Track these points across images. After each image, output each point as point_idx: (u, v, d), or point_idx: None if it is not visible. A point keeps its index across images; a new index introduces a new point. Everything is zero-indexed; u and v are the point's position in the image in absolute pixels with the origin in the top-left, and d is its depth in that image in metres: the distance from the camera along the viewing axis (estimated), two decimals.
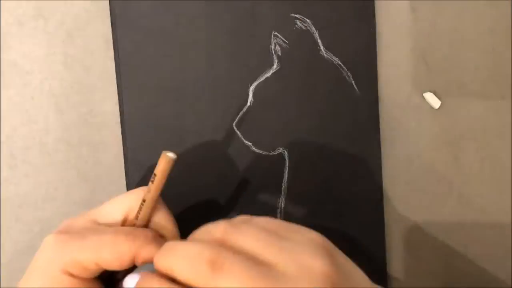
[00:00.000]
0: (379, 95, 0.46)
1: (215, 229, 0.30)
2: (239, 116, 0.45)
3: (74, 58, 0.44)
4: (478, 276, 0.48)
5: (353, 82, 0.45)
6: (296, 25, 0.45)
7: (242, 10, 0.44)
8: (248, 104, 0.45)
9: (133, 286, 0.30)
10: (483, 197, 0.47)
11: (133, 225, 0.33)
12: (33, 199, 0.43)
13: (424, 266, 0.46)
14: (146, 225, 0.34)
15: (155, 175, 0.32)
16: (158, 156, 0.42)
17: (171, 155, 0.31)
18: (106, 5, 0.44)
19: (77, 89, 0.44)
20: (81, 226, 0.33)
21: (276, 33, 0.45)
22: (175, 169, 0.42)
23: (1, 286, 0.42)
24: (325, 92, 0.45)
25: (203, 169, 0.44)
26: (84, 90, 0.44)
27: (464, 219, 0.45)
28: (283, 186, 0.45)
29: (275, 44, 0.45)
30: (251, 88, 0.45)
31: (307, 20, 0.45)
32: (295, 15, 0.44)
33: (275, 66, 0.45)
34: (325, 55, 0.45)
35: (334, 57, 0.45)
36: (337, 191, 0.45)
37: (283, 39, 0.45)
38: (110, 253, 0.31)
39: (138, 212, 0.33)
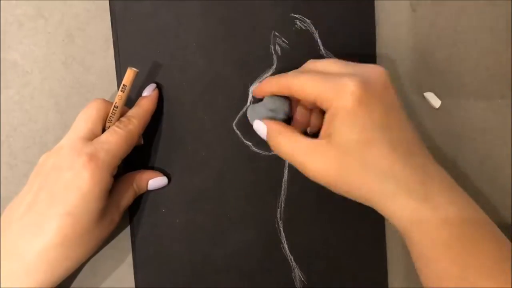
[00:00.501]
0: None
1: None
2: (239, 116, 0.45)
3: (74, 58, 0.44)
4: None
5: None
6: (296, 25, 0.45)
7: (242, 10, 0.44)
8: (248, 104, 0.45)
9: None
10: (483, 197, 0.47)
11: (108, 127, 0.41)
12: None
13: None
14: None
15: (124, 85, 0.40)
16: (159, 156, 0.42)
17: (134, 69, 0.40)
18: (106, 5, 0.44)
19: (77, 89, 0.44)
20: (80, 148, 0.38)
21: (276, 33, 0.45)
22: (176, 168, 0.42)
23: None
24: None
25: (203, 169, 0.45)
26: (84, 90, 0.44)
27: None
28: (283, 186, 0.45)
29: (275, 44, 0.45)
30: (251, 88, 0.45)
31: (307, 20, 0.45)
32: (295, 15, 0.44)
33: (275, 66, 0.45)
34: (325, 55, 0.45)
35: (334, 57, 0.45)
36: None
37: (283, 39, 0.45)
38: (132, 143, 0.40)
39: (111, 116, 0.40)
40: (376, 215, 0.45)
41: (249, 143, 0.45)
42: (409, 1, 0.46)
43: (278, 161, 0.45)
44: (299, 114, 0.42)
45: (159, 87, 0.43)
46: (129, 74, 0.40)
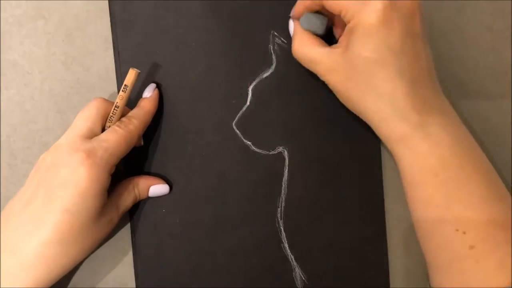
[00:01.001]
0: None
1: None
2: (238, 115, 0.45)
3: (74, 58, 0.44)
4: None
5: None
6: None
7: (241, 10, 0.44)
8: (248, 103, 0.45)
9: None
10: None
11: (109, 126, 0.41)
12: None
13: (424, 266, 0.46)
14: None
15: (126, 85, 0.40)
16: (158, 156, 0.42)
17: (136, 69, 0.40)
18: (106, 5, 0.44)
19: (77, 89, 0.44)
20: (81, 145, 0.38)
21: (275, 33, 0.45)
22: (175, 168, 0.42)
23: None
24: (324, 91, 0.45)
25: (203, 169, 0.45)
26: (84, 90, 0.44)
27: None
28: (283, 185, 0.45)
29: (274, 43, 0.45)
30: (251, 88, 0.45)
31: None
32: None
33: (274, 65, 0.45)
34: None
35: None
36: (337, 190, 0.45)
37: (282, 38, 0.45)
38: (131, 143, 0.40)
39: (112, 115, 0.40)
40: (376, 214, 0.45)
41: (249, 143, 0.45)
42: None
43: (278, 161, 0.45)
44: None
45: (158, 87, 0.44)
46: (131, 74, 0.40)
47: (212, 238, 0.45)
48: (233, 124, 0.45)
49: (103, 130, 0.40)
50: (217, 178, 0.45)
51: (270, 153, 0.45)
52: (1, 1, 0.43)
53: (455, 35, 0.47)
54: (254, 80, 0.45)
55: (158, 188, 0.43)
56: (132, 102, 0.43)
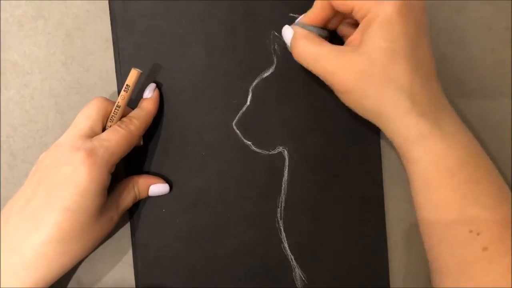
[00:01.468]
0: None
1: None
2: (238, 115, 0.45)
3: (74, 58, 0.44)
4: None
5: None
6: None
7: (242, 10, 0.44)
8: (248, 103, 0.45)
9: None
10: None
11: (109, 126, 0.40)
12: None
13: (424, 266, 0.46)
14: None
15: (128, 85, 0.40)
16: (158, 156, 0.42)
17: (138, 70, 0.40)
18: (106, 5, 0.44)
19: (77, 89, 0.44)
20: (81, 144, 0.38)
21: (276, 33, 0.45)
22: (176, 168, 0.42)
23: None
24: (325, 91, 0.45)
25: (203, 169, 0.45)
26: (84, 90, 0.44)
27: None
28: (283, 185, 0.45)
29: (274, 43, 0.45)
30: (251, 88, 0.45)
31: None
32: (294, 15, 0.44)
33: (274, 65, 0.45)
34: None
35: None
36: (337, 190, 0.45)
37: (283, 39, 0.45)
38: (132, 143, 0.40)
39: (113, 115, 0.40)
40: (376, 214, 0.45)
41: (249, 143, 0.45)
42: None
43: (278, 161, 0.45)
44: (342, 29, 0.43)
45: (158, 86, 0.43)
46: (133, 74, 0.40)
47: (212, 238, 0.45)
48: (233, 124, 0.45)
49: (103, 129, 0.40)
50: (217, 178, 0.45)
51: (270, 153, 0.45)
52: (1, 1, 0.43)
53: (455, 35, 0.47)
54: (254, 80, 0.45)
55: (158, 187, 0.43)
56: (132, 101, 0.43)
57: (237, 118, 0.45)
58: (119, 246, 0.45)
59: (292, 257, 0.45)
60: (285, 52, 0.45)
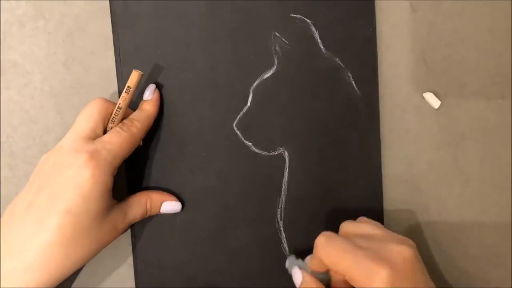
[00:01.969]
0: (379, 95, 0.46)
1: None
2: (239, 116, 0.45)
3: (75, 58, 0.44)
4: (478, 276, 0.47)
5: (353, 82, 0.45)
6: (296, 26, 0.45)
7: (243, 10, 0.44)
8: (248, 104, 0.45)
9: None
10: (483, 197, 0.47)
11: (111, 127, 0.40)
12: None
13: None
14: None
15: (129, 87, 0.40)
16: (159, 156, 0.42)
17: (139, 71, 0.40)
18: (106, 5, 0.44)
19: (78, 89, 0.44)
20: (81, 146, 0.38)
21: (277, 34, 0.45)
22: (175, 169, 0.43)
23: None
24: (325, 92, 0.45)
25: (204, 170, 0.44)
26: (84, 90, 0.44)
27: (464, 219, 0.45)
28: (283, 186, 0.45)
29: (275, 44, 0.45)
30: (252, 89, 0.45)
31: (307, 21, 0.45)
32: (295, 15, 0.44)
33: (275, 66, 0.45)
34: (325, 55, 0.45)
35: (334, 57, 0.45)
36: (337, 191, 0.45)
37: (284, 39, 0.45)
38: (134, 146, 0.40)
39: (114, 116, 0.40)
40: (376, 215, 0.45)
41: (250, 144, 0.45)
42: (409, 1, 0.46)
43: (278, 162, 0.45)
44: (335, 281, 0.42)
45: (159, 87, 0.43)
46: (134, 76, 0.40)
47: (212, 239, 0.45)
48: (234, 124, 0.45)
49: (104, 131, 0.40)
50: (217, 179, 0.45)
51: (271, 154, 0.45)
52: (2, 1, 0.42)
53: (455, 35, 0.47)
54: (255, 81, 0.45)
55: (170, 205, 0.43)
56: (133, 103, 0.42)
57: (237, 119, 0.45)
58: (119, 246, 0.45)
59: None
60: (286, 53, 0.45)
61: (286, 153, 0.45)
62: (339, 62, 0.45)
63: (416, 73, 0.47)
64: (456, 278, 0.47)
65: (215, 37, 0.44)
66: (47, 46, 0.43)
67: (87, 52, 0.44)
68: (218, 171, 0.45)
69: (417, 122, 0.47)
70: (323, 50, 0.45)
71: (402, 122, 0.47)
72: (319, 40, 0.45)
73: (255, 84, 0.45)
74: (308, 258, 0.42)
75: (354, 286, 0.37)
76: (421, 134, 0.47)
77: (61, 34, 0.44)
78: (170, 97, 0.44)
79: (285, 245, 0.45)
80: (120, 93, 0.43)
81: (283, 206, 0.45)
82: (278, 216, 0.45)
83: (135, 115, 0.42)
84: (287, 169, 0.45)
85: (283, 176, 0.45)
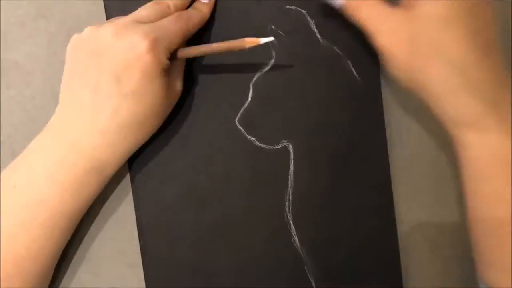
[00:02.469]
0: (381, 80, 0.45)
1: None
2: (240, 112, 0.44)
3: None
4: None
5: (353, 69, 0.45)
6: (292, 17, 0.45)
7: (238, 5, 0.45)
8: (249, 99, 0.44)
9: None
10: None
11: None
12: None
13: (424, 266, 0.45)
14: None
15: None
16: (162, 155, 0.42)
17: None
18: None
19: None
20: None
21: (273, 26, 0.45)
22: (180, 168, 0.43)
23: None
24: (326, 82, 0.45)
25: (208, 167, 0.44)
26: None
27: (465, 219, 0.43)
28: (290, 179, 0.44)
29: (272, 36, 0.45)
30: (251, 83, 0.45)
31: (302, 11, 0.45)
32: (290, 6, 0.45)
33: (273, 59, 0.45)
34: (323, 44, 0.45)
35: (332, 46, 0.45)
36: (344, 181, 0.45)
37: (280, 31, 0.45)
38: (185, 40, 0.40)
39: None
40: (383, 201, 0.43)
41: (253, 138, 0.44)
42: None
43: (283, 155, 0.44)
44: None
45: None
46: None
47: (221, 236, 0.43)
48: (236, 120, 0.44)
49: None
50: (222, 176, 0.44)
51: (275, 147, 0.44)
52: (2, 1, 0.44)
53: None
54: (254, 75, 0.45)
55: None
56: None
57: (239, 114, 0.44)
58: (125, 249, 0.44)
59: (304, 251, 0.43)
60: (283, 45, 0.45)
61: (290, 146, 0.45)
62: (337, 50, 0.45)
63: None
64: (456, 278, 0.46)
65: (212, 32, 0.45)
66: (48, 46, 0.44)
67: None
68: (223, 168, 0.44)
69: (417, 122, 0.46)
70: (320, 39, 0.45)
71: (403, 122, 0.46)
72: (315, 30, 0.45)
73: (254, 78, 0.45)
74: None
75: None
76: (421, 134, 0.47)
77: (62, 34, 0.44)
78: None
79: (295, 238, 0.43)
80: None
81: (290, 199, 0.44)
82: (287, 209, 0.44)
83: (190, 10, 0.41)
84: (292, 161, 0.44)
85: (288, 168, 0.44)
